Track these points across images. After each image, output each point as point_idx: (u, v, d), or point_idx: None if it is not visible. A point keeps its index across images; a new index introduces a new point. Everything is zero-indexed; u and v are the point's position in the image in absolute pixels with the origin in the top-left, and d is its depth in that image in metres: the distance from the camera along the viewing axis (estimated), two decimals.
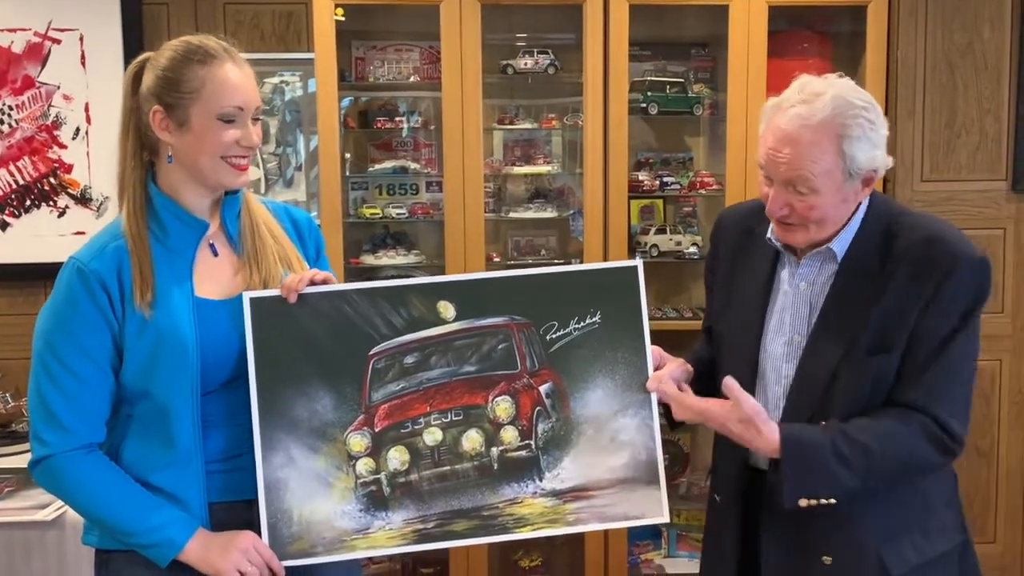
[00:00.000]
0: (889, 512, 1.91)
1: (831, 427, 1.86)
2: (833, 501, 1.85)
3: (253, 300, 1.87)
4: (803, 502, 1.85)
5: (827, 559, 1.92)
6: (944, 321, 1.84)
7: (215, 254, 1.93)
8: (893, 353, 1.86)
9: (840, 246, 1.93)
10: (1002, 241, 3.52)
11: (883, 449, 1.83)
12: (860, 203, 1.93)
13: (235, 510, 1.89)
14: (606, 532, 3.50)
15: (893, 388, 1.87)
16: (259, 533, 1.86)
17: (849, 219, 1.93)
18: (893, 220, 1.92)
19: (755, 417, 1.83)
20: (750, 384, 2.01)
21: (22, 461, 1.96)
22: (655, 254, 3.67)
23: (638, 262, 2.00)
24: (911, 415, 1.85)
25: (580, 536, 3.55)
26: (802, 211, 1.87)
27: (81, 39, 3.68)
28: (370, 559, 3.71)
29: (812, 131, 1.81)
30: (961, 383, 1.89)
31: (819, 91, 1.84)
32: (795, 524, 1.92)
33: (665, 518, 1.97)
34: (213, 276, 1.91)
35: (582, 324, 1.96)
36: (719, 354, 2.12)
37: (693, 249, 3.70)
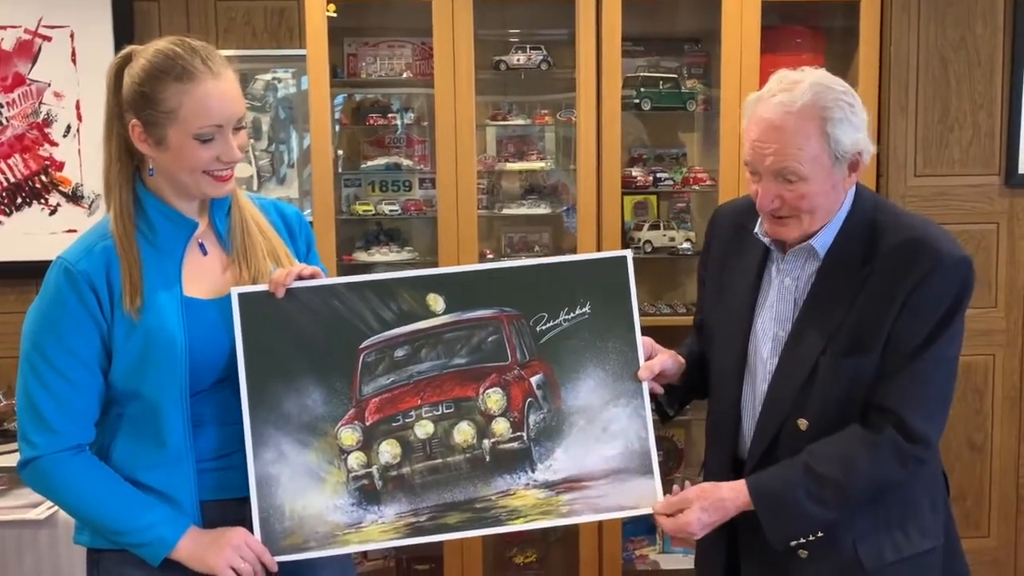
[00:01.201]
0: (867, 511, 1.91)
1: (798, 466, 1.87)
2: (820, 535, 1.89)
3: (241, 296, 1.86)
4: (792, 543, 1.90)
5: (803, 553, 1.92)
6: (924, 321, 1.83)
7: (204, 253, 1.91)
8: (871, 354, 1.85)
9: (822, 243, 1.92)
10: (995, 236, 3.53)
11: (851, 480, 1.85)
12: (847, 194, 1.93)
13: (227, 508, 1.88)
14: (600, 528, 3.50)
15: (870, 388, 1.87)
16: (251, 530, 1.85)
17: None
18: (878, 218, 1.92)
19: (700, 497, 1.91)
20: (738, 379, 2.02)
21: (14, 460, 1.95)
22: (648, 250, 3.66)
23: (627, 252, 2.00)
24: (877, 431, 1.85)
25: (575, 532, 3.56)
26: (793, 201, 1.86)
27: (72, 36, 3.67)
28: (364, 556, 3.71)
29: (795, 117, 1.82)
30: (938, 384, 1.88)
31: (797, 79, 1.86)
32: None
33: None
34: (202, 275, 1.89)
35: (572, 315, 1.96)
36: (708, 349, 2.12)
37: (687, 245, 3.69)
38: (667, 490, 1.98)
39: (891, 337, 1.84)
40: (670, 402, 2.14)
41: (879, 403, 1.86)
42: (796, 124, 1.81)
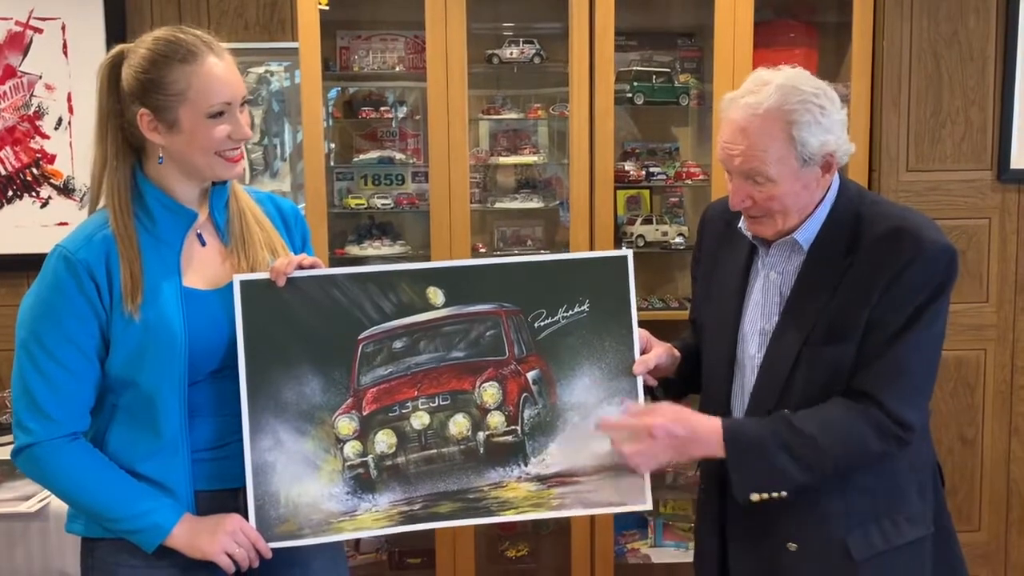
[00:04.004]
0: (854, 500, 1.91)
1: (776, 419, 1.87)
2: (784, 494, 1.88)
3: (243, 283, 1.86)
4: (755, 496, 1.88)
5: (792, 546, 1.93)
6: (903, 308, 1.84)
7: (203, 244, 1.92)
8: (849, 342, 1.86)
9: (805, 236, 1.93)
10: (987, 231, 3.53)
11: (828, 440, 1.84)
12: (828, 190, 1.94)
13: (221, 498, 1.89)
14: (592, 522, 3.50)
15: (850, 375, 1.88)
16: (246, 517, 1.86)
17: (815, 209, 1.93)
18: (862, 209, 1.93)
19: (673, 424, 1.88)
20: (728, 374, 2.03)
21: (5, 453, 1.96)
22: (641, 244, 3.67)
23: (628, 252, 2.00)
24: (858, 404, 1.85)
25: (567, 525, 3.57)
26: (763, 202, 1.88)
27: (63, 28, 3.66)
28: (356, 549, 3.71)
29: (760, 120, 1.83)
30: (917, 370, 1.88)
31: (766, 80, 1.87)
32: (760, 512, 1.93)
33: (648, 505, 1.99)
34: (201, 266, 1.90)
35: (570, 312, 1.97)
36: (702, 345, 2.13)
37: (679, 239, 3.70)
38: None
39: (869, 324, 1.85)
40: (665, 395, 2.15)
41: (858, 389, 1.87)
42: (761, 127, 1.83)
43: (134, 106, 1.81)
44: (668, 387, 2.12)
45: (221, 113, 1.81)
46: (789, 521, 1.93)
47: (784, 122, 1.83)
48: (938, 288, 1.85)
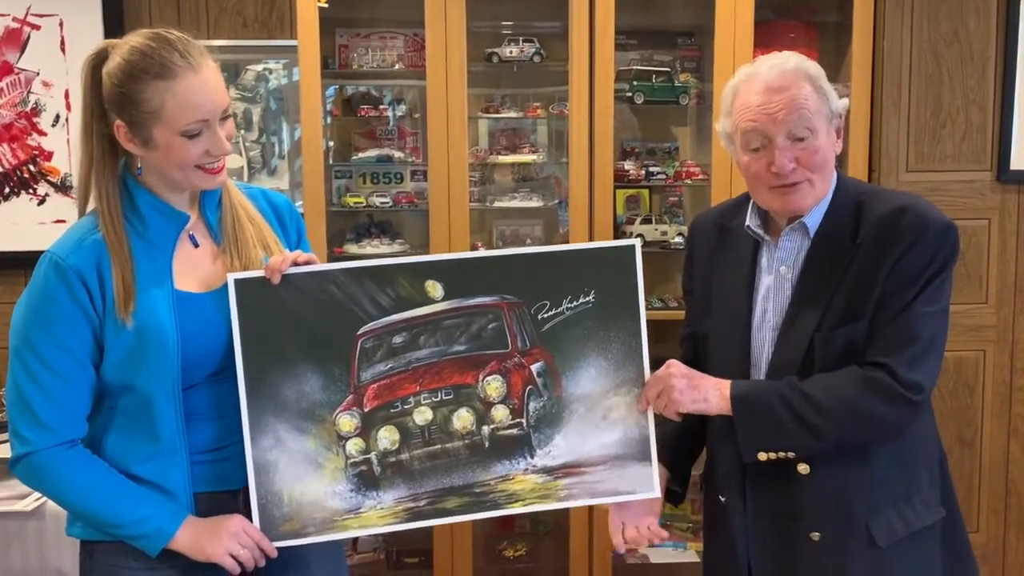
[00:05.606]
0: (875, 486, 1.92)
1: (784, 381, 1.89)
2: (792, 455, 1.90)
3: (238, 281, 1.84)
4: (762, 456, 1.90)
5: (815, 535, 1.93)
6: (910, 285, 1.87)
7: (195, 245, 1.89)
8: (862, 321, 1.88)
9: (812, 221, 1.96)
10: (987, 232, 3.53)
11: (831, 400, 1.86)
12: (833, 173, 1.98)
13: (221, 500, 1.87)
14: (591, 521, 3.49)
15: (862, 354, 1.89)
16: (248, 517, 1.85)
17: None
18: (862, 196, 1.97)
19: (682, 375, 1.93)
20: (744, 376, 2.01)
21: (3, 451, 1.94)
22: (640, 244, 3.65)
23: (636, 241, 1.99)
24: (865, 369, 1.87)
25: (565, 525, 3.56)
26: (807, 158, 1.91)
27: (61, 25, 3.64)
28: (354, 549, 3.70)
29: (792, 75, 1.92)
30: (925, 337, 1.88)
31: (773, 55, 1.98)
32: (782, 503, 1.94)
33: (656, 493, 1.99)
34: (194, 268, 1.87)
35: (575, 303, 1.95)
36: (707, 354, 2.10)
37: (679, 239, 3.69)
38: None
39: (879, 302, 1.87)
40: (679, 481, 2.16)
41: (869, 360, 1.88)
42: (794, 80, 1.92)
43: (111, 115, 1.77)
44: (677, 470, 2.15)
45: (198, 133, 1.76)
46: (811, 511, 1.93)
47: (810, 76, 1.93)
48: (943, 264, 1.88)
